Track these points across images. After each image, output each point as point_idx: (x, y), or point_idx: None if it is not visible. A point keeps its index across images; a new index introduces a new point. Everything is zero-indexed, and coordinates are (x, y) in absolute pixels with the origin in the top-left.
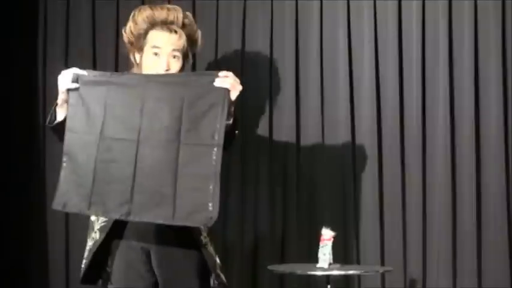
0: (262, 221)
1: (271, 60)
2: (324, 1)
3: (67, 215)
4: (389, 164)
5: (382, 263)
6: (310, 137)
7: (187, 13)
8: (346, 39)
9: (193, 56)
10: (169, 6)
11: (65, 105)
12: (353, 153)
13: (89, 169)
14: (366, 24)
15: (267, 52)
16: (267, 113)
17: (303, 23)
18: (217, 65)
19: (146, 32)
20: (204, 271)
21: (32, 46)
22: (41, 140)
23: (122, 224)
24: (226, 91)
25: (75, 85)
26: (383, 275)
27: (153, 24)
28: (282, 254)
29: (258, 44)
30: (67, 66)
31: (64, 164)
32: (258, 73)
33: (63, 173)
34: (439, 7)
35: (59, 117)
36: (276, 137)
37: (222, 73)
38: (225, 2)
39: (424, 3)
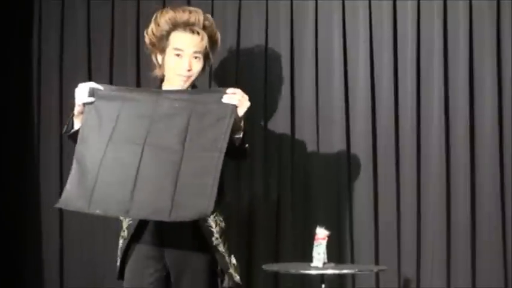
0: (257, 219)
1: (266, 60)
2: (319, 1)
3: (61, 215)
4: (384, 164)
5: (376, 263)
6: (304, 136)
7: (208, 15)
8: (341, 39)
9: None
10: (190, 8)
11: (81, 116)
12: (348, 153)
13: (94, 172)
14: (361, 24)
15: (262, 52)
16: (261, 113)
17: (298, 23)
18: (213, 65)
19: (168, 34)
20: (214, 271)
21: (26, 47)
22: (35, 140)
23: (144, 223)
24: (234, 107)
25: (91, 99)
26: (377, 275)
27: (175, 26)
28: (277, 253)
29: (253, 43)
30: (61, 67)
31: (73, 170)
32: (252, 73)
33: (71, 176)
34: (434, 7)
35: (76, 127)
36: (271, 136)
37: (230, 90)
38: (220, 2)
39: (419, 3)
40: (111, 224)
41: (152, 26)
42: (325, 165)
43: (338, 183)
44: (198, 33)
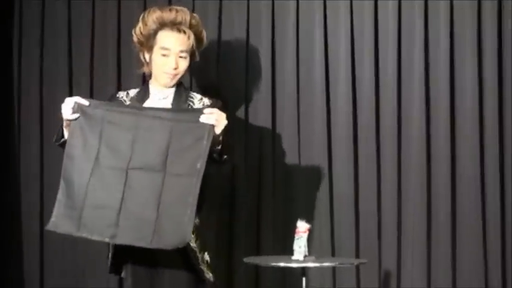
0: (238, 213)
1: (247, 60)
2: (300, 1)
3: (42, 215)
4: (365, 157)
5: (357, 256)
6: (285, 130)
7: (194, 14)
8: (323, 39)
9: None
10: (177, 7)
11: (69, 127)
12: (328, 147)
13: (81, 194)
14: (342, 24)
15: (243, 52)
16: (242, 107)
17: (280, 15)
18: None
19: (155, 33)
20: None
21: (6, 46)
22: (16, 141)
23: None
24: (211, 127)
25: (75, 116)
26: (358, 267)
27: (162, 25)
28: (258, 246)
29: (233, 44)
30: (42, 67)
31: (61, 188)
32: (233, 75)
33: (59, 197)
34: (415, 7)
35: (66, 136)
36: (252, 130)
37: (207, 110)
38: (201, 2)
39: (400, 3)
40: None
41: (140, 25)
42: (306, 159)
43: (319, 176)
44: (184, 32)
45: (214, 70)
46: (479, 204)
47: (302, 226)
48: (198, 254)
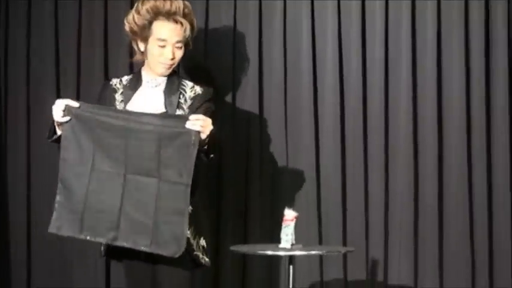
0: (225, 201)
1: (234, 60)
2: (287, 1)
3: (29, 208)
4: (352, 146)
5: (344, 244)
6: (272, 119)
7: (186, 2)
8: (310, 40)
9: None
10: None
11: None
12: (315, 136)
13: (81, 197)
14: (329, 24)
15: (230, 50)
16: (230, 93)
17: (267, 21)
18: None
19: (150, 23)
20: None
21: None
22: (3, 140)
23: None
24: (197, 133)
25: (66, 119)
26: (345, 256)
27: (156, 15)
28: (245, 234)
29: (221, 43)
30: (28, 67)
31: (59, 190)
32: (220, 70)
33: (58, 198)
34: (403, 7)
35: (58, 132)
36: (239, 119)
37: (192, 117)
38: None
39: (387, 3)
40: None
41: (133, 14)
42: (293, 147)
43: (306, 164)
44: (180, 23)
45: (202, 57)
46: (466, 195)
47: (289, 214)
48: (192, 240)
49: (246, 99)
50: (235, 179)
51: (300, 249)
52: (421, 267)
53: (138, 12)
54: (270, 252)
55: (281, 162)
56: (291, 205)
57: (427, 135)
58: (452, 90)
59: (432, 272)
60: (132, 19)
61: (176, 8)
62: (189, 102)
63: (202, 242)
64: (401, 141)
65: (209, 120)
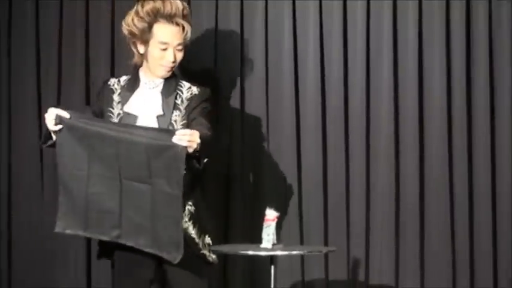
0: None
1: (215, 59)
2: (269, 1)
3: (9, 208)
4: (333, 145)
5: (326, 244)
6: (254, 119)
7: (185, 3)
8: (292, 40)
9: None
10: None
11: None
12: (297, 135)
13: (81, 199)
14: (311, 24)
15: (212, 50)
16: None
17: (248, 21)
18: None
19: (151, 25)
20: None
21: None
22: None
23: None
24: (184, 148)
25: (58, 127)
26: (326, 255)
27: (156, 17)
28: (226, 234)
29: (202, 43)
30: (10, 67)
31: (60, 192)
32: (202, 69)
33: (61, 199)
34: (384, 7)
35: (54, 138)
36: (222, 119)
37: (179, 132)
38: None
39: (368, 3)
40: None
41: (133, 16)
42: (275, 146)
43: (287, 164)
44: (181, 25)
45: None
46: (448, 195)
47: (271, 214)
48: (197, 240)
49: (228, 99)
50: (217, 178)
51: (281, 249)
52: (402, 267)
53: (138, 15)
54: (251, 253)
55: (262, 161)
56: (272, 205)
57: (408, 135)
58: (433, 90)
59: (413, 271)
60: (132, 21)
61: (176, 10)
62: (185, 103)
63: (208, 239)
64: (382, 141)
65: (196, 134)
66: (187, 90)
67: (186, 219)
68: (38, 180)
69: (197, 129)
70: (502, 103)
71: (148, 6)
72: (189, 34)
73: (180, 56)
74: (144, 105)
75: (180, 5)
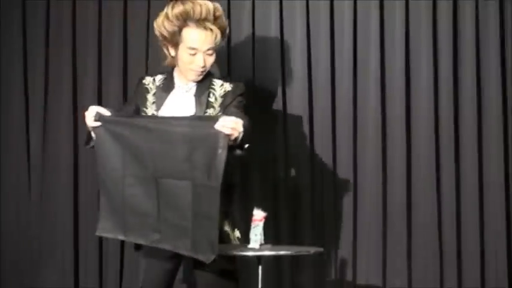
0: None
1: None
2: (256, 1)
3: None
4: (321, 145)
5: (314, 244)
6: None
7: (215, 3)
8: (279, 40)
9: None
10: (199, 1)
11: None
12: (285, 134)
13: (119, 202)
14: (298, 25)
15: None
16: None
17: (235, 21)
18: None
19: (180, 29)
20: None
21: None
22: None
23: None
24: (226, 136)
25: (97, 124)
26: (314, 256)
27: (186, 21)
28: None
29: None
30: None
31: (100, 195)
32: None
33: (102, 200)
34: (371, 7)
35: (94, 138)
36: None
37: (222, 119)
38: (156, 2)
39: (355, 3)
40: (47, 224)
41: (163, 19)
42: (262, 147)
43: (275, 164)
44: (210, 29)
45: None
46: (435, 195)
47: (258, 214)
48: (231, 234)
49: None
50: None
51: (269, 250)
52: (389, 267)
53: (168, 17)
54: (239, 253)
55: (250, 161)
56: (260, 205)
57: (395, 135)
58: (420, 90)
59: (401, 271)
60: (162, 24)
61: (206, 13)
62: (219, 100)
63: (237, 233)
64: (369, 141)
65: (240, 122)
66: (220, 87)
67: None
68: (25, 181)
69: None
70: (489, 103)
71: (177, 9)
72: (218, 38)
73: (210, 60)
74: (178, 109)
75: (211, 6)
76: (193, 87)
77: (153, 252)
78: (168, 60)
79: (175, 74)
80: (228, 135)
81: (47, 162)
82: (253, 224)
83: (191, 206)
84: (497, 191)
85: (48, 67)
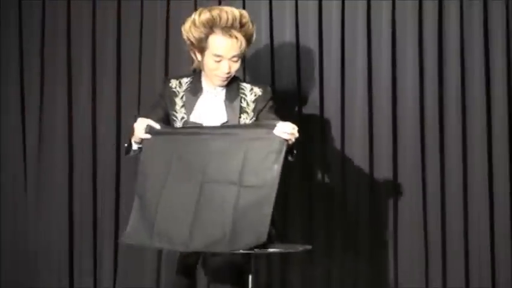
0: None
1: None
2: (246, 1)
3: None
4: (309, 144)
5: (305, 242)
6: None
7: (242, 10)
8: (268, 40)
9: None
10: (226, 8)
11: (139, 140)
12: None
13: (153, 205)
14: (287, 25)
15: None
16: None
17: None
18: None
19: (207, 36)
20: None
21: None
22: None
23: None
24: (285, 141)
25: (147, 136)
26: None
27: (212, 28)
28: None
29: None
30: None
31: (135, 205)
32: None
33: (133, 212)
34: (358, 7)
35: (134, 148)
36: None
37: (281, 124)
38: (150, 2)
39: (343, 3)
40: (43, 224)
41: (190, 25)
42: None
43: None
44: (236, 37)
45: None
46: (420, 203)
47: None
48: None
49: None
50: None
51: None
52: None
53: (195, 24)
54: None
55: None
56: None
57: (381, 134)
58: (406, 89)
59: (387, 272)
60: (189, 30)
61: (232, 20)
62: (251, 105)
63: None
64: (356, 140)
65: (296, 128)
66: (250, 92)
67: None
68: (21, 181)
69: None
70: (473, 103)
71: (204, 17)
72: (244, 45)
73: (235, 66)
74: (208, 114)
75: (237, 14)
76: (221, 92)
77: None
78: (196, 64)
79: (203, 78)
80: (287, 141)
81: (42, 162)
82: None
83: (235, 206)
84: (481, 190)
85: (43, 67)
